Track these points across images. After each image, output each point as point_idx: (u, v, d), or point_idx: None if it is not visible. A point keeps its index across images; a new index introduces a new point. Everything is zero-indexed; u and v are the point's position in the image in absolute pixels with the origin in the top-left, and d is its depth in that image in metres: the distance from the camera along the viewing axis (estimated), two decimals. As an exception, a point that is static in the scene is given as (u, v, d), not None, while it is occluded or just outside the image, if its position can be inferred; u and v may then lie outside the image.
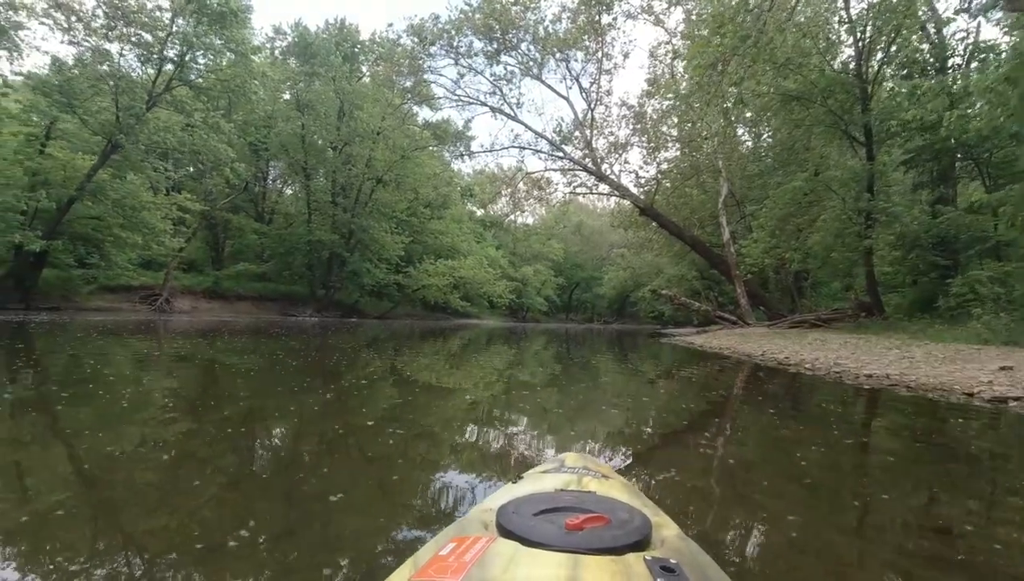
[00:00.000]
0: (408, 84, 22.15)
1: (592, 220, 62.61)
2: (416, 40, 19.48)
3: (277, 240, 28.65)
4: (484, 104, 19.73)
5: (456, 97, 20.03)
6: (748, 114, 19.12)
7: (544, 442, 2.99)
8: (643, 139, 21.20)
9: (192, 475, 2.13)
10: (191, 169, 22.73)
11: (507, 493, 1.01)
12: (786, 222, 14.79)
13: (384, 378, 5.59)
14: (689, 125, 18.84)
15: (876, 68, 13.73)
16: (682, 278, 24.96)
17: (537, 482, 1.08)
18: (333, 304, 29.12)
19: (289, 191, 33.77)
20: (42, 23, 15.56)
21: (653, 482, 2.25)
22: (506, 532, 0.75)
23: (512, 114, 19.86)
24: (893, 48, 13.27)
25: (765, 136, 20.74)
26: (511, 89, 28.99)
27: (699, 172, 21.15)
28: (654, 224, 26.13)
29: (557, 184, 21.00)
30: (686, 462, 2.68)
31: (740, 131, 21.72)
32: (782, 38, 11.44)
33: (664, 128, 20.93)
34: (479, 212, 50.28)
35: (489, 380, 5.99)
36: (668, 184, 21.70)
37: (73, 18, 14.52)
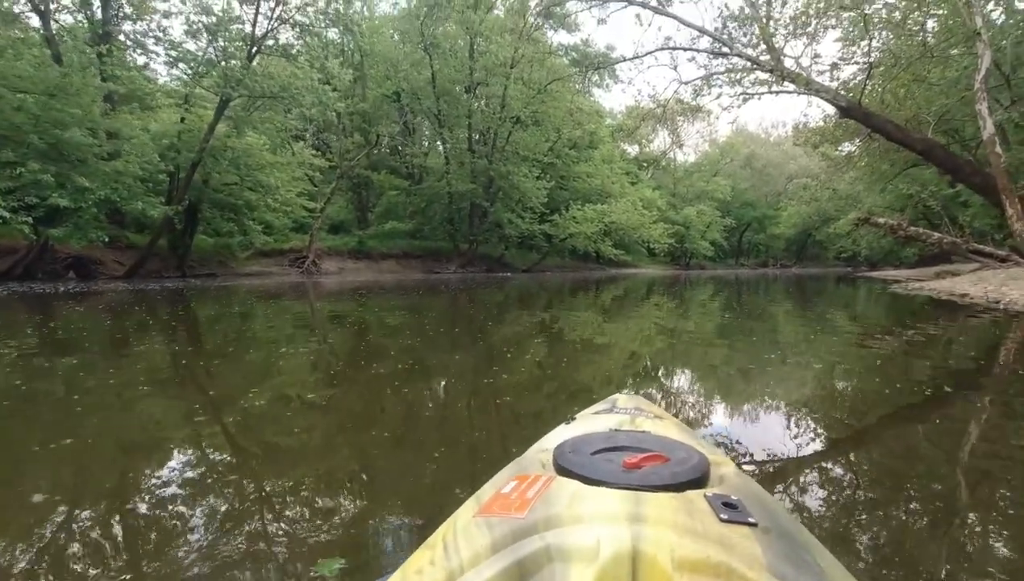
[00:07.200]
0: (539, 6, 19.19)
1: (765, 150, 54.48)
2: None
3: (419, 196, 27.84)
4: (625, -1, 15.89)
5: (591, -2, 16.39)
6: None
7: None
8: (842, 19, 15.79)
9: (301, 425, 2.29)
10: (314, 126, 22.36)
11: (562, 434, 0.99)
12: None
13: (526, 341, 4.83)
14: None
15: None
16: (907, 198, 19.18)
17: (590, 422, 1.06)
18: (478, 258, 27.83)
19: (429, 144, 32.93)
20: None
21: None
22: (564, 471, 0.74)
23: (659, 6, 15.79)
24: None
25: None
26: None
27: (929, 52, 15.19)
28: (847, 147, 20.44)
29: (722, 87, 16.36)
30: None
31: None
32: None
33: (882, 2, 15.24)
34: (632, 151, 45.97)
35: (645, 337, 5.22)
36: (877, 83, 16.07)
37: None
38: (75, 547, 1.29)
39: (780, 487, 1.60)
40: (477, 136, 27.68)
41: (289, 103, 15.28)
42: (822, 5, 14.88)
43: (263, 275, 19.29)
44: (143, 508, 1.49)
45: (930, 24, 16.12)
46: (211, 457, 1.91)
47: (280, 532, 1.34)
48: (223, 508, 1.48)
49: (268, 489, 1.60)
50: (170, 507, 1.49)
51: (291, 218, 21.40)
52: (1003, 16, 15.03)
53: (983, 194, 13.90)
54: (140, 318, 6.24)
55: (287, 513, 1.44)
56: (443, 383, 3.14)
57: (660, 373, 3.47)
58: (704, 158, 52.92)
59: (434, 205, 27.74)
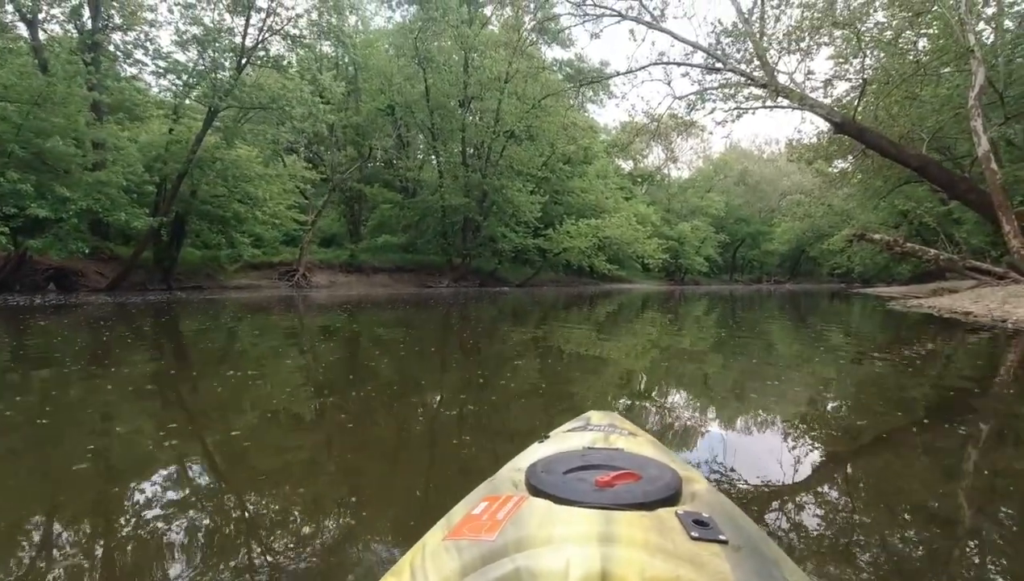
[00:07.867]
0: (534, 21, 19.16)
1: (759, 167, 54.69)
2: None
3: (412, 209, 27.61)
4: (618, 14, 15.86)
5: (583, 14, 16.38)
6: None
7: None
8: (836, 36, 15.82)
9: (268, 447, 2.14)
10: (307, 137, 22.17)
11: (534, 453, 0.99)
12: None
13: (515, 358, 4.63)
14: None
15: None
16: (901, 215, 19.14)
17: (563, 441, 1.05)
18: (471, 273, 27.55)
19: (423, 157, 32.83)
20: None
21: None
22: (536, 491, 0.73)
23: (653, 22, 15.78)
24: None
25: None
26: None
27: (922, 69, 15.21)
28: (840, 163, 20.42)
29: (716, 102, 16.28)
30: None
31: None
32: None
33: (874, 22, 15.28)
34: (626, 166, 46.10)
35: (636, 354, 5.03)
36: (870, 100, 16.04)
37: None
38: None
39: (753, 504, 1.57)
40: (471, 150, 27.55)
41: (279, 115, 15.08)
42: (815, 22, 14.87)
43: (252, 288, 18.91)
44: (104, 532, 1.43)
45: (921, 43, 16.21)
46: (167, 480, 1.80)
47: (234, 557, 1.29)
48: (184, 534, 1.42)
49: (228, 513, 1.55)
50: (132, 532, 1.42)
51: (281, 231, 21.10)
52: (993, 36, 15.12)
53: (978, 211, 13.83)
54: (109, 333, 5.95)
55: (241, 538, 1.39)
56: (424, 401, 3.01)
57: (638, 389, 3.40)
58: (698, 174, 53.11)
59: (427, 219, 27.52)
